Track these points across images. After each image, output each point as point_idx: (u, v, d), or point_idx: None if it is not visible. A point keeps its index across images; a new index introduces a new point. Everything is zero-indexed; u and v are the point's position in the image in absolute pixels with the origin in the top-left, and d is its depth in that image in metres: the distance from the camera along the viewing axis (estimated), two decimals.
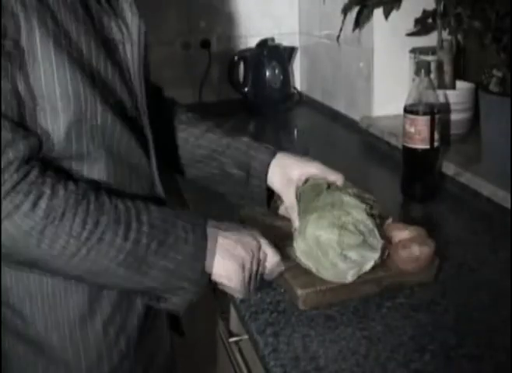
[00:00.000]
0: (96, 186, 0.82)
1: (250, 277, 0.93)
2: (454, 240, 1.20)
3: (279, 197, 1.15)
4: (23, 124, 0.77)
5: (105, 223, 0.79)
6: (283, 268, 0.98)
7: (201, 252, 0.87)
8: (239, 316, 1.06)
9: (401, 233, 1.07)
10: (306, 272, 1.03)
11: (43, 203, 0.75)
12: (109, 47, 0.86)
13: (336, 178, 1.10)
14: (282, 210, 1.17)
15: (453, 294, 1.03)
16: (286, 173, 1.10)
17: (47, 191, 0.75)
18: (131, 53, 0.90)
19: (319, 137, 1.91)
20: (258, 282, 0.96)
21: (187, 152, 1.14)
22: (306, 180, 1.11)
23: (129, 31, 0.89)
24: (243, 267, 0.91)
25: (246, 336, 1.05)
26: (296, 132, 1.51)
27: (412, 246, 1.03)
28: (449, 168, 1.51)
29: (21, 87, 0.76)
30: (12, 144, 0.74)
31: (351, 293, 1.01)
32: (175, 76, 2.31)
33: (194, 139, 1.14)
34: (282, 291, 1.05)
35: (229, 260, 0.90)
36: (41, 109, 0.79)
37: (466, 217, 1.35)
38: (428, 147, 1.37)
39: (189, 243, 0.85)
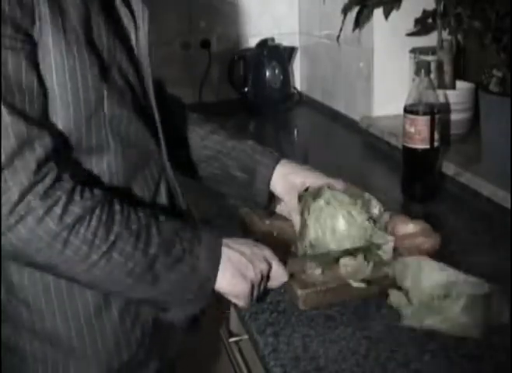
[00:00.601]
0: (111, 192, 0.83)
1: (253, 290, 0.94)
2: (454, 240, 1.20)
3: (277, 198, 1.16)
4: (38, 121, 0.76)
5: (116, 232, 0.79)
6: (286, 279, 0.98)
7: (206, 266, 0.87)
8: (239, 316, 1.06)
9: (406, 227, 1.08)
10: (306, 272, 1.03)
11: (58, 209, 0.75)
12: (122, 36, 0.88)
13: (337, 185, 1.11)
14: (278, 209, 1.18)
15: None
16: (289, 180, 1.12)
17: (63, 197, 0.76)
18: (138, 39, 0.92)
19: (319, 137, 1.91)
20: (261, 293, 0.97)
21: (192, 152, 1.15)
22: (307, 188, 1.12)
23: (136, 18, 0.91)
24: (249, 284, 0.92)
25: (246, 336, 1.05)
26: (296, 132, 1.51)
27: (416, 237, 1.05)
28: (449, 168, 1.51)
29: (34, 81, 0.76)
30: (28, 144, 0.73)
31: (351, 293, 1.01)
32: (175, 76, 2.31)
33: (200, 139, 1.15)
34: (282, 291, 1.05)
35: (236, 277, 0.91)
36: (52, 102, 0.79)
37: (466, 217, 1.34)
38: (428, 147, 1.37)
39: (194, 256, 0.86)
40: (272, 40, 2.31)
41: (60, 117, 0.80)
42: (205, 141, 1.15)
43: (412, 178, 1.43)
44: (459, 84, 1.69)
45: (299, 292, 1.00)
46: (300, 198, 1.10)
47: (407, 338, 0.92)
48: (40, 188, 0.74)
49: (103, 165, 0.86)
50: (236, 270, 0.90)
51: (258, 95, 2.30)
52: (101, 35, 0.83)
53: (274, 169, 1.12)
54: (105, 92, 0.82)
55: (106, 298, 0.89)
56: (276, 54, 2.30)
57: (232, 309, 1.20)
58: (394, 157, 1.61)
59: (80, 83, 0.80)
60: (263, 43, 2.29)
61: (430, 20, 1.67)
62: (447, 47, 1.67)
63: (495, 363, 0.87)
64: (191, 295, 0.87)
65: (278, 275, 0.96)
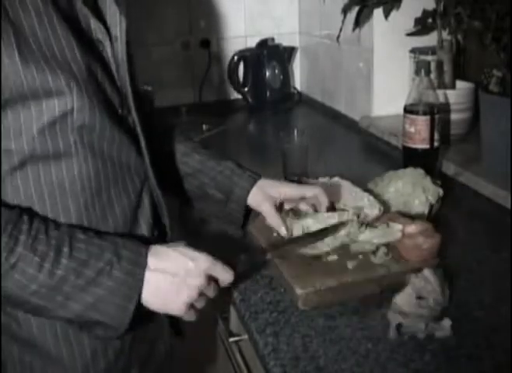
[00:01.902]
0: (24, 210, 0.82)
1: (196, 303, 0.89)
2: (453, 240, 1.20)
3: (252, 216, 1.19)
4: None
5: (18, 253, 0.78)
6: (231, 279, 0.92)
7: (123, 289, 0.83)
8: (239, 316, 1.06)
9: (408, 227, 1.08)
10: (306, 271, 1.03)
11: None
12: (94, 46, 0.88)
13: (313, 193, 1.12)
14: (253, 226, 1.21)
15: (453, 294, 1.03)
16: (264, 192, 1.14)
17: None
18: (115, 51, 0.91)
19: (319, 137, 1.91)
20: (214, 297, 0.92)
21: (172, 167, 1.16)
22: (281, 204, 1.15)
23: (111, 29, 0.91)
24: (184, 304, 0.87)
25: (246, 336, 1.05)
26: (296, 132, 1.51)
27: (417, 237, 1.06)
28: (449, 168, 1.51)
29: None
30: None
31: (351, 293, 1.01)
32: (175, 76, 2.31)
33: (181, 156, 1.16)
34: (282, 290, 1.05)
35: (168, 300, 0.87)
36: (14, 111, 0.80)
37: (466, 217, 1.34)
38: (428, 147, 1.37)
39: (112, 278, 0.82)
40: (272, 40, 2.32)
41: (24, 126, 0.81)
42: (186, 158, 1.16)
43: None
44: (459, 84, 1.69)
45: (299, 292, 1.00)
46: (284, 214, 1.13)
47: (407, 338, 0.92)
48: None
49: (74, 172, 0.86)
50: (166, 293, 0.86)
51: (258, 95, 2.30)
52: (68, 48, 0.83)
53: (249, 191, 1.14)
54: (74, 103, 0.82)
55: None
56: (276, 54, 2.30)
57: (232, 309, 1.20)
58: (394, 157, 1.61)
59: (42, 94, 0.80)
60: (263, 43, 2.30)
61: (430, 20, 1.67)
62: (446, 46, 1.67)
63: (495, 363, 0.87)
64: (108, 318, 0.83)
65: (223, 278, 0.91)
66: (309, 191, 1.14)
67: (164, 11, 2.26)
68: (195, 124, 2.06)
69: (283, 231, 1.10)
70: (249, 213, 1.17)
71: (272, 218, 1.12)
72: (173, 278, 0.86)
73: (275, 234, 1.17)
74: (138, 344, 0.96)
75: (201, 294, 0.89)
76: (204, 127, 2.04)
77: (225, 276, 0.91)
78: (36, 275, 0.79)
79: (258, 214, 1.17)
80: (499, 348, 0.89)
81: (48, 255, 0.80)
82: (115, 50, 0.91)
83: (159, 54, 2.27)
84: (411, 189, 1.22)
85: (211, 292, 0.90)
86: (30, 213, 0.83)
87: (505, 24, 1.36)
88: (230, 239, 1.23)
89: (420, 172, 1.26)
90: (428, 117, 1.35)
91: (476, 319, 0.96)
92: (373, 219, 1.14)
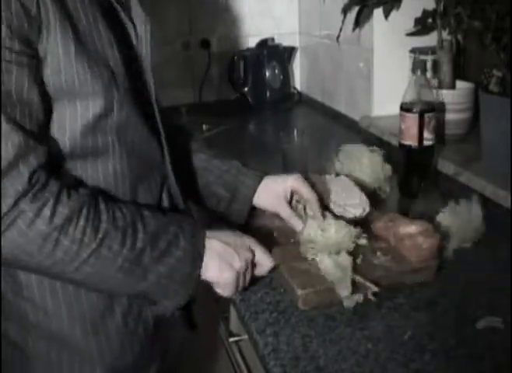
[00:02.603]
0: (95, 191, 0.84)
1: (239, 279, 0.96)
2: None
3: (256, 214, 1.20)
4: (34, 134, 0.77)
5: (104, 230, 0.81)
6: (272, 265, 1.01)
7: (190, 257, 0.90)
8: (239, 316, 1.06)
9: (408, 228, 1.08)
10: (306, 272, 1.03)
11: (47, 211, 0.76)
12: (126, 45, 0.89)
13: (308, 198, 1.14)
14: (259, 223, 1.22)
15: (453, 294, 1.03)
16: (271, 191, 1.16)
17: (51, 199, 0.77)
18: (142, 50, 0.93)
19: (319, 137, 1.91)
20: (248, 282, 0.99)
21: (178, 166, 1.16)
22: (292, 195, 1.17)
23: (138, 29, 0.92)
24: (235, 272, 0.94)
25: (246, 336, 1.05)
26: (296, 132, 1.51)
27: (417, 237, 1.06)
28: (449, 167, 1.51)
29: (35, 95, 0.77)
30: (23, 155, 0.75)
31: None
32: (175, 76, 2.31)
33: (187, 154, 1.18)
34: (282, 291, 1.05)
35: (222, 266, 0.93)
36: (60, 108, 0.80)
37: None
38: (416, 144, 1.37)
39: (180, 248, 0.88)
40: (272, 40, 2.32)
41: (69, 123, 0.82)
42: (191, 157, 1.17)
43: (405, 174, 1.44)
44: (459, 84, 1.69)
45: (299, 292, 1.00)
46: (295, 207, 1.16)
47: (407, 338, 0.92)
48: (30, 193, 0.76)
49: (109, 170, 0.88)
50: (221, 260, 0.93)
51: (258, 95, 2.31)
52: (108, 45, 0.84)
53: (255, 189, 1.16)
54: (114, 100, 0.84)
55: (111, 299, 0.91)
56: (276, 54, 2.30)
57: (232, 309, 1.20)
58: (394, 157, 1.61)
59: (90, 91, 0.81)
60: (263, 43, 2.30)
61: (430, 20, 1.67)
62: (446, 46, 1.67)
63: (495, 363, 0.87)
64: (178, 286, 0.89)
65: (264, 262, 0.99)
66: (307, 193, 1.15)
67: (164, 11, 2.26)
68: (195, 124, 2.06)
69: (298, 229, 1.12)
70: (252, 211, 1.19)
71: (291, 220, 1.14)
72: (227, 246, 0.94)
73: (275, 234, 1.18)
74: (159, 338, 0.99)
75: (247, 269, 0.96)
76: (204, 127, 2.04)
77: (266, 259, 0.99)
78: (121, 250, 0.82)
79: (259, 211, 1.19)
80: (499, 348, 0.89)
81: (127, 230, 0.83)
82: (140, 49, 0.93)
83: (159, 53, 2.27)
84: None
85: (250, 272, 0.97)
86: (101, 192, 0.86)
87: (505, 24, 1.36)
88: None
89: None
90: (416, 115, 1.36)
91: (476, 319, 0.96)
92: (357, 218, 1.17)
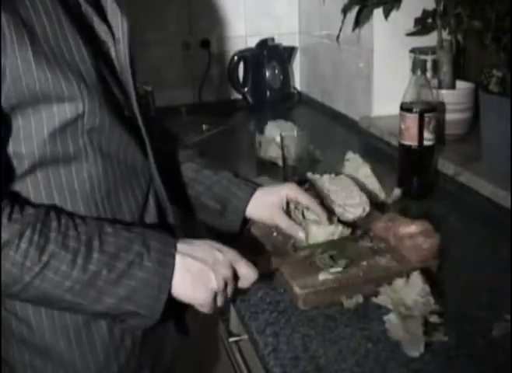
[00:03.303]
0: (48, 209, 0.82)
1: (217, 298, 0.90)
2: (453, 240, 1.20)
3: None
4: None
5: (51, 251, 0.78)
6: (256, 278, 0.93)
7: (156, 278, 0.84)
8: (239, 316, 1.06)
9: (408, 227, 1.08)
10: (307, 272, 1.03)
11: None
12: (100, 49, 0.88)
13: (306, 203, 1.13)
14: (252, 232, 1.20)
15: (453, 294, 1.03)
16: (266, 202, 1.13)
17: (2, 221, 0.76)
18: (118, 52, 0.91)
19: (319, 137, 1.91)
20: (229, 297, 0.93)
21: (170, 176, 1.14)
22: (288, 205, 1.14)
23: (113, 30, 0.90)
24: (211, 293, 0.88)
25: (246, 336, 1.05)
26: (296, 132, 1.51)
27: (417, 237, 1.06)
28: (448, 167, 1.51)
29: None
30: None
31: (351, 293, 1.01)
32: (175, 76, 2.31)
33: (177, 164, 1.15)
34: (282, 291, 1.05)
35: (196, 287, 0.87)
36: (26, 115, 0.79)
37: (466, 217, 1.34)
38: (416, 144, 1.37)
39: (143, 269, 0.83)
40: (272, 40, 2.32)
41: (35, 130, 0.80)
42: (181, 166, 1.15)
43: (405, 174, 1.44)
44: (459, 84, 1.69)
45: (299, 292, 1.00)
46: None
47: None
48: None
49: (84, 175, 0.86)
50: (195, 280, 0.87)
51: (258, 95, 2.30)
52: (75, 49, 0.82)
53: (248, 201, 1.13)
54: (85, 105, 0.82)
55: None
56: (276, 54, 2.30)
57: (232, 309, 1.20)
58: (393, 157, 1.61)
59: (54, 96, 0.79)
60: (263, 43, 2.30)
61: (430, 20, 1.67)
62: (446, 46, 1.67)
63: (495, 363, 0.87)
64: (143, 309, 0.84)
65: (248, 275, 0.92)
66: (304, 198, 1.13)
67: (164, 11, 2.26)
68: (195, 124, 2.06)
69: (300, 236, 1.10)
70: (246, 223, 1.16)
71: (290, 228, 1.12)
72: (202, 264, 0.87)
73: (274, 234, 1.18)
74: (148, 345, 0.96)
75: (225, 286, 0.89)
76: (204, 127, 2.04)
77: (249, 273, 0.91)
78: (70, 272, 0.79)
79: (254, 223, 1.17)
80: (499, 348, 0.89)
81: (80, 250, 0.80)
82: (117, 51, 0.91)
83: (159, 54, 2.27)
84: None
85: (231, 288, 0.91)
86: (56, 209, 0.83)
87: (505, 24, 1.36)
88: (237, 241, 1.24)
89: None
90: (416, 115, 1.36)
91: (476, 319, 0.96)
92: (357, 218, 1.17)
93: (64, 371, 0.90)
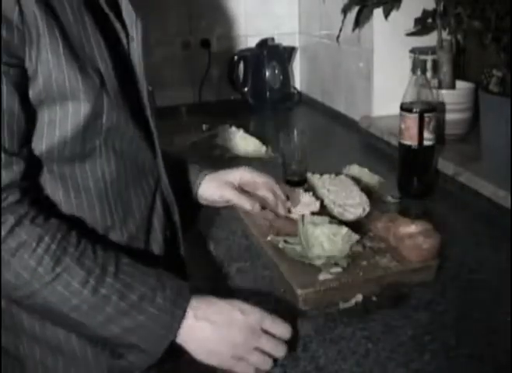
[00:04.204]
0: (71, 227, 0.81)
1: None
2: (453, 240, 1.20)
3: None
4: (10, 148, 0.76)
5: (65, 264, 0.77)
6: (289, 335, 0.86)
7: (169, 317, 0.81)
8: None
9: (408, 228, 1.08)
10: (307, 272, 1.03)
11: (2, 231, 0.74)
12: (116, 47, 0.88)
13: (264, 181, 1.15)
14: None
15: (453, 294, 1.03)
16: (217, 181, 1.14)
17: (11, 219, 0.75)
18: (133, 50, 0.91)
19: (319, 137, 1.91)
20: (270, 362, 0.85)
21: None
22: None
23: (128, 29, 0.91)
24: (226, 351, 0.83)
25: None
26: (296, 132, 1.51)
27: (417, 237, 1.06)
28: (448, 167, 1.51)
29: (16, 106, 0.75)
30: (4, 167, 0.74)
31: (351, 293, 1.01)
32: (175, 76, 2.31)
33: None
34: (282, 291, 1.05)
35: (206, 343, 0.83)
36: (52, 111, 0.79)
37: (466, 217, 1.34)
38: (416, 144, 1.37)
39: (155, 305, 0.81)
40: (272, 40, 2.32)
41: (59, 128, 0.80)
42: None
43: (405, 174, 1.44)
44: (459, 84, 1.69)
45: (299, 292, 1.00)
46: None
47: (407, 338, 0.92)
48: None
49: (98, 173, 0.86)
50: (208, 343, 0.83)
51: (258, 95, 2.30)
52: (97, 48, 0.83)
53: (199, 183, 1.14)
54: (104, 104, 0.82)
55: None
56: (276, 54, 2.30)
57: None
58: (393, 157, 1.61)
59: (81, 94, 0.80)
60: (263, 43, 2.30)
61: (430, 20, 1.67)
62: (446, 46, 1.67)
63: (495, 363, 0.87)
64: (146, 344, 0.81)
65: (279, 332, 0.85)
66: (260, 178, 1.16)
67: (164, 11, 2.26)
68: (195, 124, 2.06)
69: (248, 207, 1.11)
70: (198, 209, 1.17)
71: (239, 200, 1.12)
72: (217, 328, 0.83)
73: (269, 238, 1.17)
74: None
75: (257, 350, 0.84)
76: (204, 127, 2.04)
77: (280, 330, 0.86)
78: (80, 290, 0.77)
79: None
80: (499, 348, 0.89)
81: (94, 271, 0.78)
82: (131, 48, 0.91)
83: (159, 53, 2.27)
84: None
85: (269, 348, 0.84)
86: (78, 231, 0.82)
87: (505, 24, 1.36)
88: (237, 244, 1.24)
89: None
90: (416, 115, 1.36)
91: (476, 319, 0.96)
92: (357, 218, 1.18)
93: (75, 368, 0.89)
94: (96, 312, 0.79)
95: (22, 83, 0.76)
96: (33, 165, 0.81)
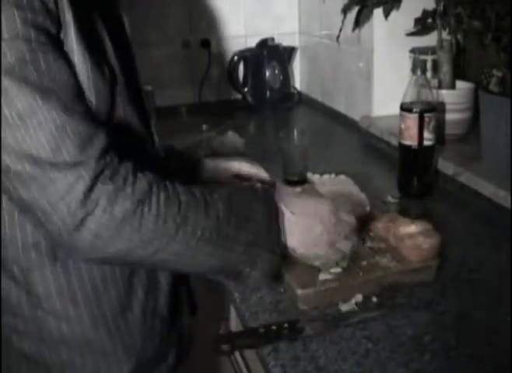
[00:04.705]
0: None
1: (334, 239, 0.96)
2: (453, 240, 1.20)
3: None
4: (89, 117, 0.76)
5: (185, 203, 0.79)
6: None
7: (269, 218, 0.88)
8: (239, 316, 1.06)
9: (408, 228, 1.08)
10: (307, 272, 1.03)
11: (128, 189, 0.75)
12: (116, 32, 0.88)
13: (254, 169, 1.20)
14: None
15: (453, 294, 1.03)
16: (221, 162, 1.22)
17: (130, 177, 0.76)
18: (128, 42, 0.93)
19: (319, 137, 1.91)
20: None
21: None
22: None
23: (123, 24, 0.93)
24: (321, 232, 0.94)
25: None
26: (296, 132, 1.51)
27: (417, 237, 1.06)
28: (448, 167, 1.51)
29: (75, 79, 0.76)
30: (87, 141, 0.73)
31: (351, 293, 1.01)
32: (175, 76, 2.31)
33: None
34: (282, 291, 1.05)
35: (303, 228, 0.93)
36: None
37: (466, 217, 1.35)
38: (416, 144, 1.37)
39: (258, 212, 0.87)
40: (272, 40, 2.32)
41: None
42: None
43: (405, 174, 1.44)
44: (459, 84, 1.69)
45: (299, 292, 1.00)
46: None
47: (407, 338, 0.92)
48: (106, 175, 0.74)
49: None
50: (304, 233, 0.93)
51: (258, 95, 2.31)
52: (105, 42, 0.84)
53: (203, 161, 1.20)
54: (116, 98, 0.83)
55: (128, 295, 0.90)
56: (276, 54, 2.30)
57: (232, 309, 1.20)
58: (393, 157, 1.61)
59: (99, 86, 0.80)
60: (263, 43, 2.30)
61: (430, 20, 1.67)
62: (446, 46, 1.67)
63: (495, 363, 0.87)
64: (265, 252, 0.87)
65: (348, 219, 0.99)
66: (252, 168, 1.21)
67: (164, 11, 2.26)
68: (195, 124, 2.06)
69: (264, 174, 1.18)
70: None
71: (251, 169, 1.19)
72: (308, 219, 0.93)
73: None
74: (174, 327, 0.99)
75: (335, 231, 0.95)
76: (204, 127, 2.04)
77: (348, 218, 0.98)
78: (206, 222, 0.81)
79: None
80: (499, 348, 0.89)
81: (207, 201, 0.82)
82: (128, 42, 0.92)
83: (159, 53, 2.27)
84: None
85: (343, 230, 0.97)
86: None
87: (505, 24, 1.36)
88: None
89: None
90: (416, 115, 1.36)
91: (476, 319, 0.96)
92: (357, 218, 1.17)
93: (105, 364, 0.90)
94: (223, 237, 0.83)
95: (66, 59, 0.76)
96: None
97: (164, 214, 0.77)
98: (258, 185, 0.93)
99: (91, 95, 0.79)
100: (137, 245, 0.77)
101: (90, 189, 0.72)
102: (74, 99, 0.74)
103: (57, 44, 0.74)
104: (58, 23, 0.75)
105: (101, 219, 0.73)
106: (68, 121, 0.72)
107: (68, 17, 0.76)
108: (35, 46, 0.71)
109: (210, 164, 1.21)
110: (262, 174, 1.20)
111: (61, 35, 0.75)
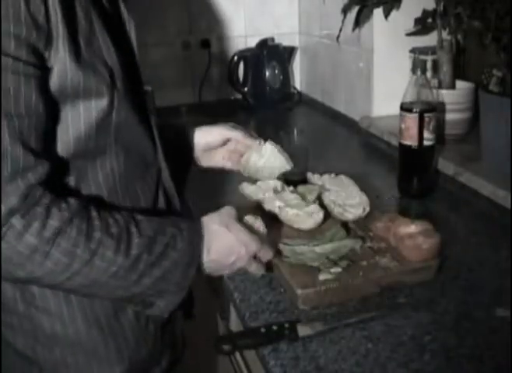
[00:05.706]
0: (85, 199, 0.83)
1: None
2: (453, 240, 1.20)
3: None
4: (36, 149, 0.76)
5: (97, 239, 0.79)
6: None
7: (187, 257, 0.88)
8: (239, 316, 1.06)
9: (408, 228, 1.08)
10: (307, 272, 1.03)
11: (37, 225, 0.75)
12: (120, 44, 0.88)
13: (251, 143, 1.22)
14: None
15: (453, 294, 1.03)
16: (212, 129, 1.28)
17: (42, 213, 0.76)
18: (132, 47, 0.92)
19: (319, 137, 1.91)
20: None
21: None
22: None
23: (126, 26, 0.92)
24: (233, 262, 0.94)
25: None
26: (296, 132, 1.51)
27: (417, 237, 1.06)
28: (448, 167, 1.51)
29: (41, 106, 0.76)
30: (21, 172, 0.74)
31: (351, 293, 1.01)
32: (175, 76, 2.31)
33: None
34: (282, 290, 1.05)
35: (219, 262, 0.93)
36: (65, 112, 0.80)
37: (466, 217, 1.35)
38: (416, 144, 1.37)
39: (177, 249, 0.86)
40: (272, 40, 2.32)
41: (72, 125, 0.81)
42: None
43: (405, 174, 1.44)
44: (459, 84, 1.69)
45: (299, 292, 1.00)
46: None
47: (407, 338, 0.92)
48: (23, 208, 0.74)
49: (107, 169, 0.87)
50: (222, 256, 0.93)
51: (258, 95, 2.31)
52: (104, 45, 0.83)
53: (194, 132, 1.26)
54: (115, 100, 0.83)
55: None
56: (276, 54, 2.30)
57: (232, 309, 1.20)
58: (393, 157, 1.61)
59: (94, 92, 0.81)
60: (263, 43, 2.30)
61: (430, 20, 1.67)
62: (446, 46, 1.67)
63: (495, 363, 0.87)
64: (173, 286, 0.88)
65: (264, 256, 0.99)
66: (247, 140, 1.24)
67: (164, 11, 2.26)
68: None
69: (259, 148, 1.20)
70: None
71: (246, 140, 1.22)
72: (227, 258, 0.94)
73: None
74: (167, 330, 0.99)
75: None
76: None
77: (266, 254, 0.99)
78: (115, 257, 0.81)
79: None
80: (499, 348, 0.89)
81: (122, 237, 0.82)
82: (131, 34, 0.92)
83: (159, 53, 2.27)
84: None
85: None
86: (90, 200, 0.84)
87: (505, 24, 1.36)
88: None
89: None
90: (416, 115, 1.36)
91: (476, 319, 0.96)
92: (357, 218, 1.18)
93: (97, 363, 0.91)
94: (130, 272, 0.83)
95: (44, 83, 0.76)
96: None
97: (71, 253, 0.77)
98: (189, 222, 0.92)
99: (88, 100, 0.80)
100: (40, 277, 0.78)
101: (4, 222, 0.73)
102: (30, 127, 0.75)
103: (40, 66, 0.75)
104: (49, 38, 0.75)
105: (6, 249, 0.74)
106: (12, 147, 0.73)
107: (62, 29, 0.76)
108: (20, 67, 0.72)
109: (201, 137, 1.27)
110: (249, 136, 1.22)
111: (53, 48, 0.76)
